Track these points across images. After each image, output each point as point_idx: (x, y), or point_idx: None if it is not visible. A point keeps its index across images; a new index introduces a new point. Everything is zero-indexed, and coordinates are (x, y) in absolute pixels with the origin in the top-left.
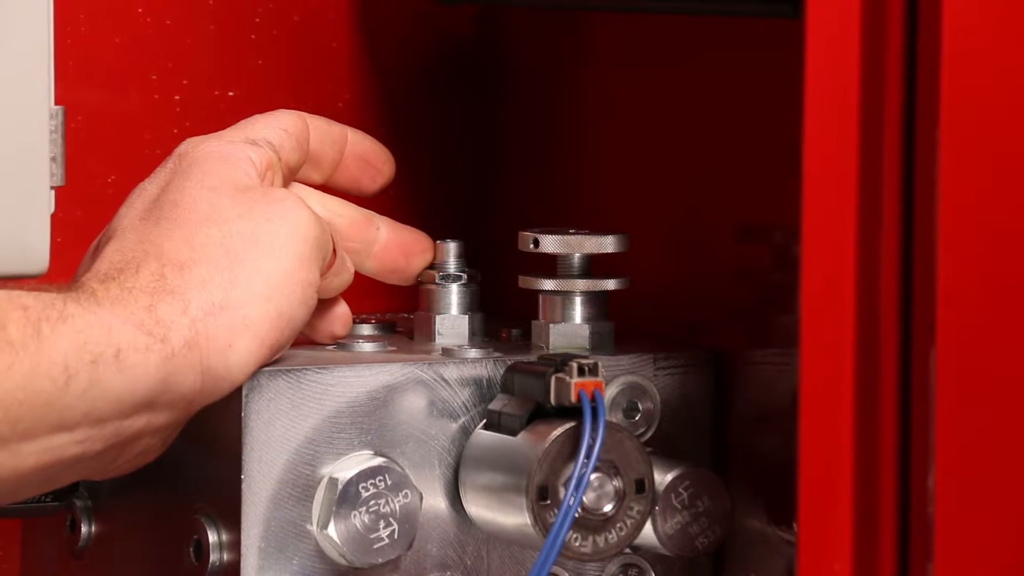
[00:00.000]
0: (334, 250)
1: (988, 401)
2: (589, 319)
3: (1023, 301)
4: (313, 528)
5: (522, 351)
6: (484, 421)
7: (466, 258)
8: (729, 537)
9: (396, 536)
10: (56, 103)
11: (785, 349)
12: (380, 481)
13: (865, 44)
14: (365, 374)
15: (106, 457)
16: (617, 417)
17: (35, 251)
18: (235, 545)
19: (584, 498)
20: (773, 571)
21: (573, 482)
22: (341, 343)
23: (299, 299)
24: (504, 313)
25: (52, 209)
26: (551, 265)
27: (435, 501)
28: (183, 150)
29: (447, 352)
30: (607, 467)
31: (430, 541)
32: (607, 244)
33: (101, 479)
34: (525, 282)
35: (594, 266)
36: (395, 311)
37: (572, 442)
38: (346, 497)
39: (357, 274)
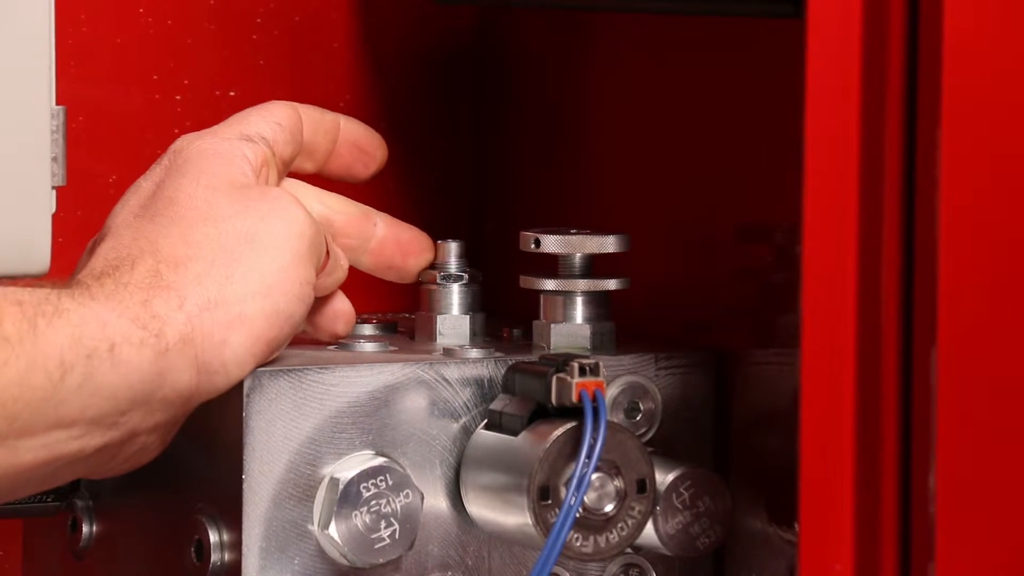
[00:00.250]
0: (328, 250)
1: (989, 401)
2: (590, 319)
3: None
4: (314, 528)
5: (523, 351)
6: (485, 421)
7: (467, 258)
8: (730, 537)
9: (397, 536)
10: (57, 103)
11: (786, 349)
12: (381, 481)
13: (866, 44)
14: (366, 374)
15: (104, 455)
16: (618, 417)
17: (36, 251)
18: (236, 545)
19: (585, 498)
20: (774, 571)
21: (574, 482)
22: (343, 343)
23: (295, 296)
24: (505, 313)
25: (53, 209)
26: (552, 265)
27: (436, 501)
28: (178, 147)
29: (448, 352)
30: (608, 467)
31: (431, 541)
32: (608, 244)
33: (100, 478)
34: (526, 282)
35: (595, 266)
36: (396, 311)
37: (573, 442)
38: (347, 497)
39: (359, 274)
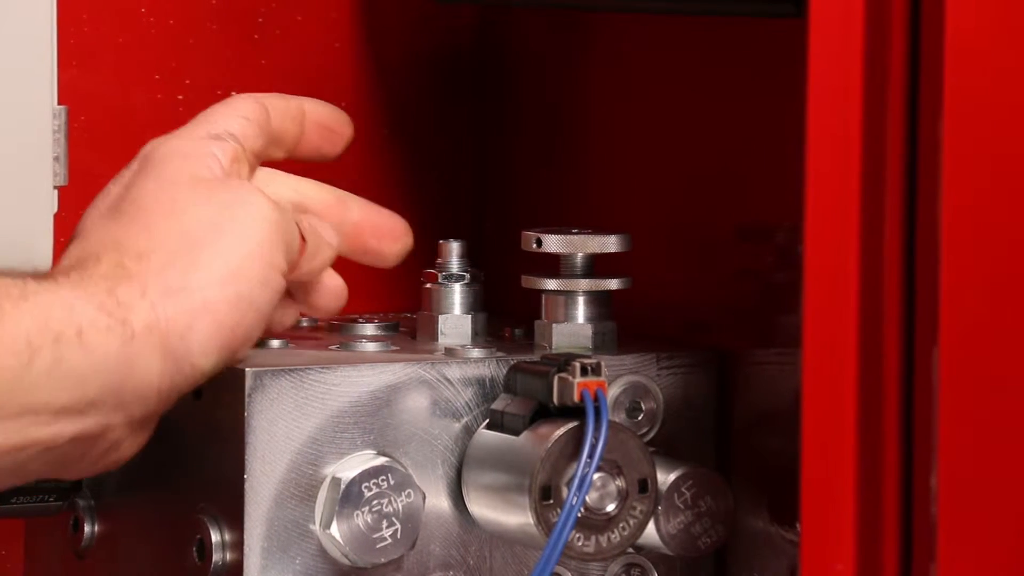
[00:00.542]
0: (302, 236)
1: (991, 401)
2: (592, 319)
3: None
4: (316, 528)
5: (525, 351)
6: (487, 421)
7: (469, 258)
8: (732, 537)
9: (399, 536)
10: (59, 102)
11: (788, 349)
12: (383, 481)
13: (868, 43)
14: (368, 374)
15: (75, 448)
16: (620, 417)
17: (38, 250)
18: (238, 545)
19: (587, 498)
20: (776, 571)
21: (576, 482)
22: (344, 343)
23: (259, 281)
24: (507, 313)
25: (55, 208)
26: (554, 265)
27: (438, 501)
28: (147, 150)
29: (450, 352)
30: (610, 467)
31: (433, 541)
32: (610, 244)
33: (73, 478)
34: (528, 282)
35: (597, 266)
36: (398, 311)
37: (575, 442)
38: (349, 497)
39: (361, 275)
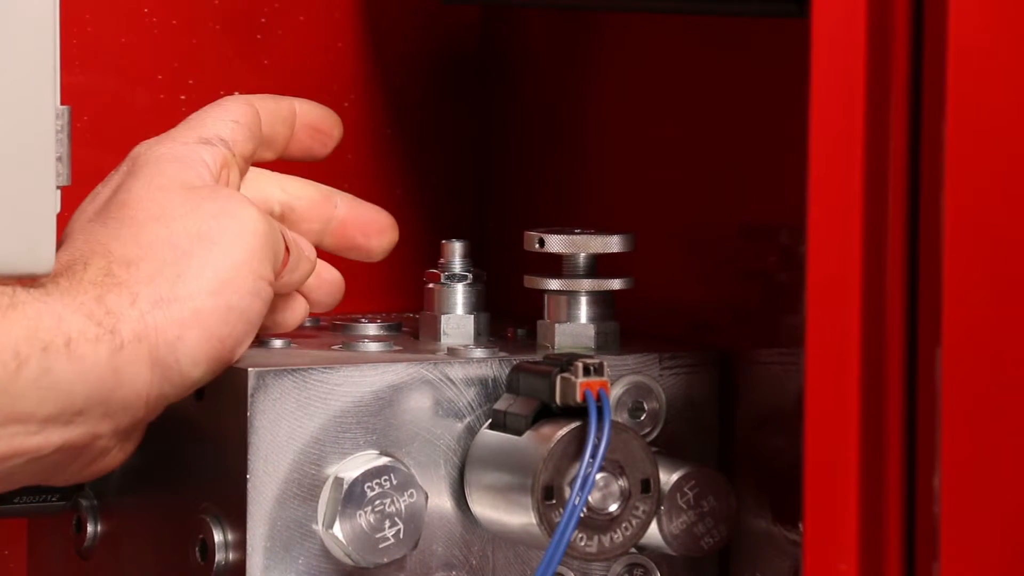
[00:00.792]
0: (287, 248)
1: (994, 401)
2: (594, 319)
3: None
4: (318, 527)
5: (527, 351)
6: (489, 421)
7: (471, 258)
8: (735, 537)
9: (401, 536)
10: (62, 102)
11: (791, 349)
12: (385, 481)
13: (871, 43)
14: (371, 374)
15: (63, 457)
16: (622, 417)
17: (41, 250)
18: (240, 545)
19: (589, 498)
20: (779, 571)
21: (578, 482)
22: (346, 343)
23: (248, 292)
24: (509, 313)
25: (58, 209)
26: (556, 265)
27: (440, 501)
28: (136, 153)
29: (452, 352)
30: (612, 467)
31: (435, 541)
32: (612, 244)
33: (60, 484)
34: (530, 282)
35: (599, 266)
36: (400, 311)
37: (577, 442)
38: (351, 497)
39: (362, 275)
